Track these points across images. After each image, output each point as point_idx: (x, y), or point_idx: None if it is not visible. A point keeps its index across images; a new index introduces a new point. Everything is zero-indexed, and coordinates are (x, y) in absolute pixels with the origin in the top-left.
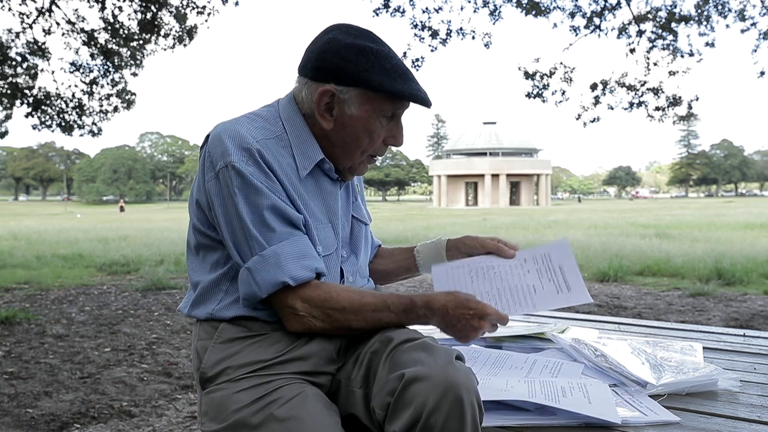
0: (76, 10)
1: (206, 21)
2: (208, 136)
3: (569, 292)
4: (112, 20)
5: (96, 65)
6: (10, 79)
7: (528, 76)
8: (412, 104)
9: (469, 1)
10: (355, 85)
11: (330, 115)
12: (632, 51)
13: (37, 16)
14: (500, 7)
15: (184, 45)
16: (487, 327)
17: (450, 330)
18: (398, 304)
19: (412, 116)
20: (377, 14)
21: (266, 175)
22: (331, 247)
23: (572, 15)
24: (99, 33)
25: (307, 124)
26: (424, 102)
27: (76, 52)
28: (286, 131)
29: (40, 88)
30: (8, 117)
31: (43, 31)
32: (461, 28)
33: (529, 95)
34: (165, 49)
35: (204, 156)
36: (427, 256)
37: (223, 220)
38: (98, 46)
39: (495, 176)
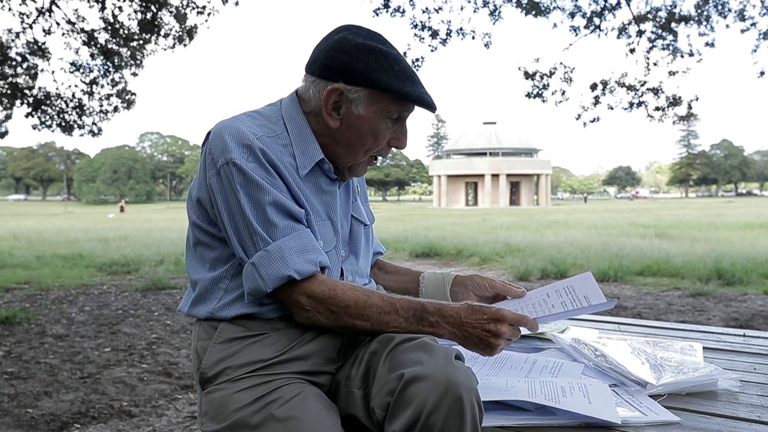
0: (76, 10)
1: (206, 21)
2: (209, 133)
3: (593, 304)
4: (112, 20)
5: (96, 65)
6: (10, 79)
7: (528, 76)
8: (416, 108)
9: (469, 1)
10: (364, 85)
11: (337, 114)
12: (632, 51)
13: (37, 16)
14: (500, 7)
15: (184, 45)
16: (508, 331)
17: (467, 341)
18: (408, 308)
19: (412, 116)
20: (377, 14)
21: (267, 171)
22: (331, 244)
23: (572, 15)
24: (99, 33)
25: (308, 123)
26: (430, 106)
27: (76, 52)
28: (287, 130)
29: (40, 88)
30: (8, 117)
31: (43, 31)
32: (461, 28)
33: (529, 95)
34: (165, 49)
35: (205, 153)
36: (431, 286)
37: (227, 217)
38: (98, 46)
39: (495, 176)
